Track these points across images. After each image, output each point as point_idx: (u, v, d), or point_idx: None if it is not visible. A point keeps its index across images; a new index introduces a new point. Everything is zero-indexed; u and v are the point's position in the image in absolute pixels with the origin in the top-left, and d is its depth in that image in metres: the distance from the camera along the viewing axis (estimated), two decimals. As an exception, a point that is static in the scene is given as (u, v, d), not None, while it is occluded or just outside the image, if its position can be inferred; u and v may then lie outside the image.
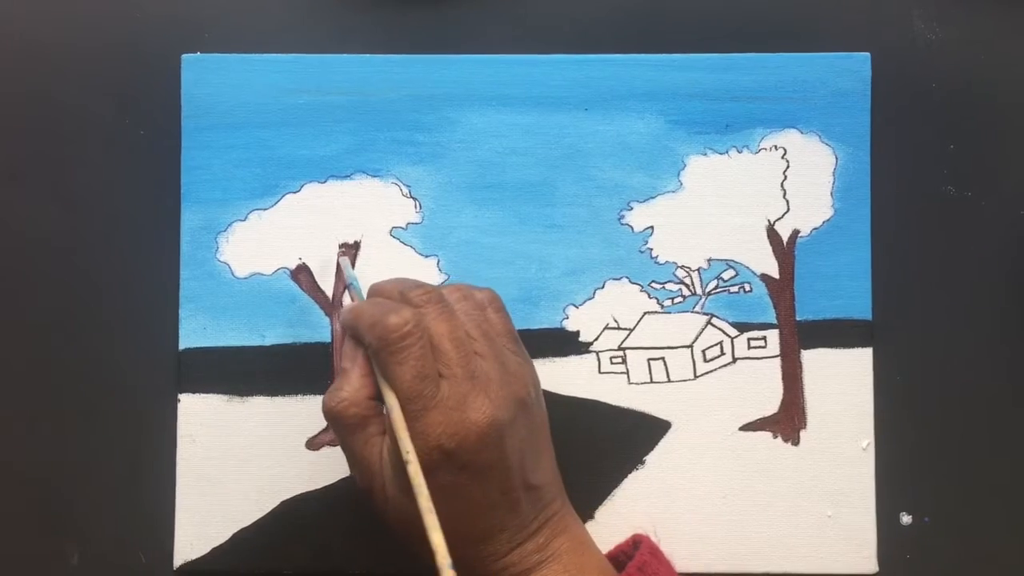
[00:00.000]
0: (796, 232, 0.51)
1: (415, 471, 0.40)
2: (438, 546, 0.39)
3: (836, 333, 0.50)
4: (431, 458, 0.40)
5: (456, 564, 0.41)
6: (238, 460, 0.50)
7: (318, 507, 0.50)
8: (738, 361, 0.50)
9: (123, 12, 0.51)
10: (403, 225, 0.51)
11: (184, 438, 0.50)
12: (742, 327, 0.50)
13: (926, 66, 0.51)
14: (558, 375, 0.50)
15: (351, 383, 0.43)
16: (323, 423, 0.50)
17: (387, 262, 0.50)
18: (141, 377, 0.50)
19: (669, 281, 0.51)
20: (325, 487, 0.50)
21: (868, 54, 0.51)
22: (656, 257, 0.51)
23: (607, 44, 0.51)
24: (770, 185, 0.51)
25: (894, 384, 0.50)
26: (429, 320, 0.42)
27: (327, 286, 0.50)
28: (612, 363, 0.50)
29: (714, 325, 0.50)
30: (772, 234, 0.51)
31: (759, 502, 0.50)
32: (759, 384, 0.50)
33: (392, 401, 0.41)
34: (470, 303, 0.44)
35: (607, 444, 0.50)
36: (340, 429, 0.43)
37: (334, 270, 0.50)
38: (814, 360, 0.50)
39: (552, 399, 0.50)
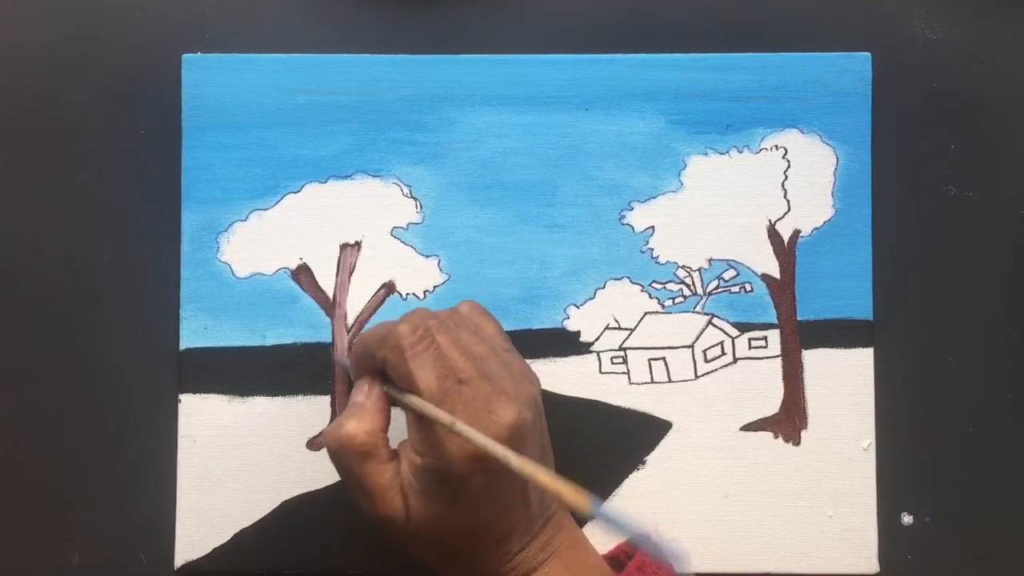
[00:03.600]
0: (797, 232, 0.51)
1: (461, 426, 0.39)
2: (548, 482, 0.38)
3: (837, 333, 0.50)
4: (467, 465, 0.40)
5: (472, 567, 0.41)
6: (238, 460, 0.50)
7: (318, 507, 0.50)
8: (739, 361, 0.50)
9: (123, 12, 0.51)
10: (404, 225, 0.51)
11: (185, 438, 0.50)
12: (743, 327, 0.50)
13: (926, 66, 0.51)
14: (559, 375, 0.50)
15: (366, 413, 0.42)
16: (324, 423, 0.50)
17: (388, 262, 0.50)
18: (142, 377, 0.50)
19: (670, 281, 0.51)
20: (325, 487, 0.50)
21: (869, 54, 0.51)
22: (657, 257, 0.51)
23: (607, 44, 0.51)
24: (771, 185, 0.51)
25: (895, 384, 0.50)
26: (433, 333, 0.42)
27: (328, 286, 0.50)
28: (613, 363, 0.50)
29: (715, 325, 0.50)
30: (773, 234, 0.51)
31: (760, 502, 0.50)
32: (760, 384, 0.50)
33: (418, 400, 0.40)
34: (457, 316, 0.44)
35: (608, 444, 0.50)
36: (349, 458, 0.42)
37: (335, 270, 0.50)
38: (815, 360, 0.50)
39: (553, 399, 0.50)
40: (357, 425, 0.42)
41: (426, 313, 0.43)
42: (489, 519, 0.41)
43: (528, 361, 0.49)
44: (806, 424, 0.50)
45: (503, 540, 0.42)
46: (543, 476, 0.38)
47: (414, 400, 0.41)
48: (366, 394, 0.43)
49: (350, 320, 0.50)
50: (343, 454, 0.42)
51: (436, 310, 0.45)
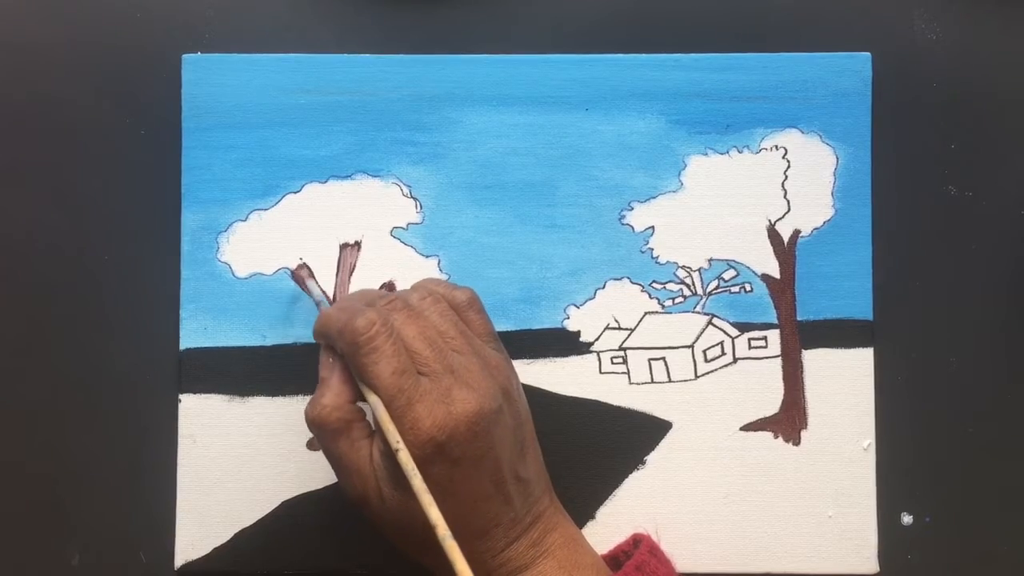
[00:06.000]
0: (797, 232, 0.51)
1: (405, 457, 0.40)
2: (437, 520, 0.39)
3: (837, 333, 0.50)
4: (424, 452, 0.40)
5: None
6: (239, 460, 0.50)
7: (318, 507, 0.50)
8: (739, 361, 0.50)
9: (123, 12, 0.51)
10: (404, 225, 0.51)
11: (185, 438, 0.50)
12: (743, 327, 0.50)
13: (926, 66, 0.51)
14: (559, 375, 0.50)
15: (331, 389, 0.43)
16: (324, 423, 0.50)
17: (388, 262, 0.50)
18: (142, 377, 0.50)
19: (670, 281, 0.51)
20: (325, 487, 0.50)
21: (869, 54, 0.51)
22: (657, 257, 0.51)
23: (607, 44, 0.51)
24: (771, 185, 0.51)
25: (895, 384, 0.50)
26: (397, 325, 0.42)
27: (328, 286, 0.50)
28: (613, 363, 0.50)
29: (715, 325, 0.50)
30: (773, 234, 0.51)
31: (760, 502, 0.50)
32: (760, 384, 0.50)
33: (375, 399, 0.41)
34: (442, 304, 0.44)
35: (608, 444, 0.50)
36: (325, 436, 0.43)
37: (335, 270, 0.50)
38: (815, 360, 0.50)
39: (553, 399, 0.50)
40: (326, 403, 0.42)
41: (396, 304, 0.43)
42: (460, 512, 0.41)
43: (528, 361, 0.50)
44: (806, 424, 0.50)
45: (483, 535, 0.42)
46: (434, 511, 0.39)
47: (371, 397, 0.41)
48: (330, 368, 0.43)
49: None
50: (320, 433, 0.43)
51: (425, 287, 0.45)
